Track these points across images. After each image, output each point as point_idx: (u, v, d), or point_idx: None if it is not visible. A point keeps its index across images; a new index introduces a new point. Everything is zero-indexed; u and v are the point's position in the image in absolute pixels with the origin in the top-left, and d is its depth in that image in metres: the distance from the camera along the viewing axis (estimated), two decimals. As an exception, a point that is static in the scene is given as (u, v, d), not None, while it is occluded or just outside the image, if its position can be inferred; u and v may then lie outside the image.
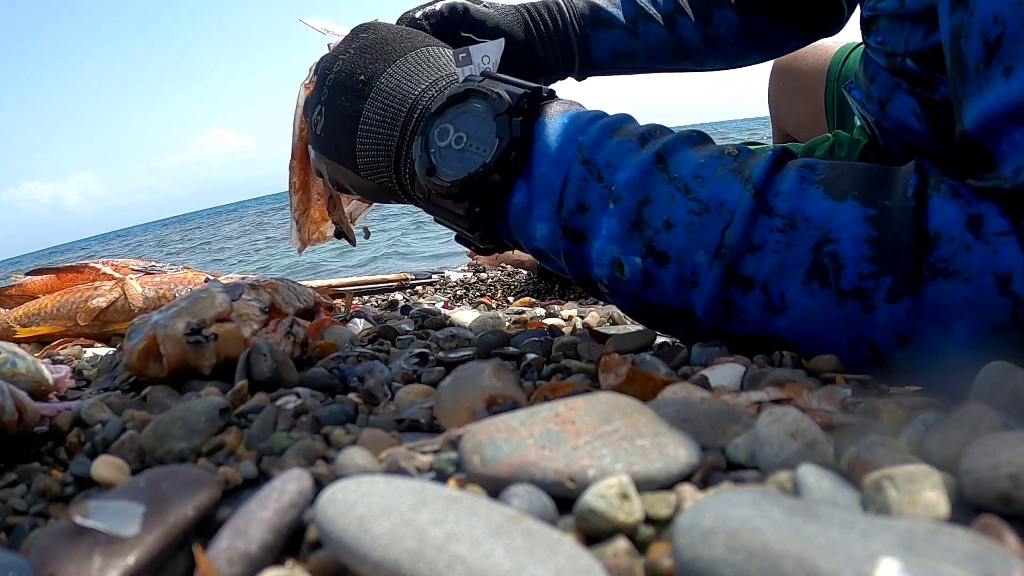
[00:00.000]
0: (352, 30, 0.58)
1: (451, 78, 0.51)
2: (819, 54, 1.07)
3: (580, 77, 0.76)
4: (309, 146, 0.60)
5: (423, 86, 0.51)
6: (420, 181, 0.48)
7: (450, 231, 0.53)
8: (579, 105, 0.48)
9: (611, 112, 0.47)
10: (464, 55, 0.49)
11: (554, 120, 0.46)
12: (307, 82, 0.65)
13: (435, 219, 0.52)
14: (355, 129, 0.53)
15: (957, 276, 0.33)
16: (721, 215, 0.38)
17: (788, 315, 0.37)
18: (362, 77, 0.53)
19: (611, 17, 0.73)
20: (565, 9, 0.72)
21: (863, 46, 0.60)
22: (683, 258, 0.39)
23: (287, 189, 0.72)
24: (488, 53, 0.49)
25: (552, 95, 0.48)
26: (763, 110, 1.27)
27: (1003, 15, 0.32)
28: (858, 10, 0.58)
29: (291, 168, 0.70)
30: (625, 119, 0.45)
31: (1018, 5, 0.32)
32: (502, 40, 0.50)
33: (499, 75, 0.48)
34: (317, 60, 0.60)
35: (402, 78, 0.52)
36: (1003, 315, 0.32)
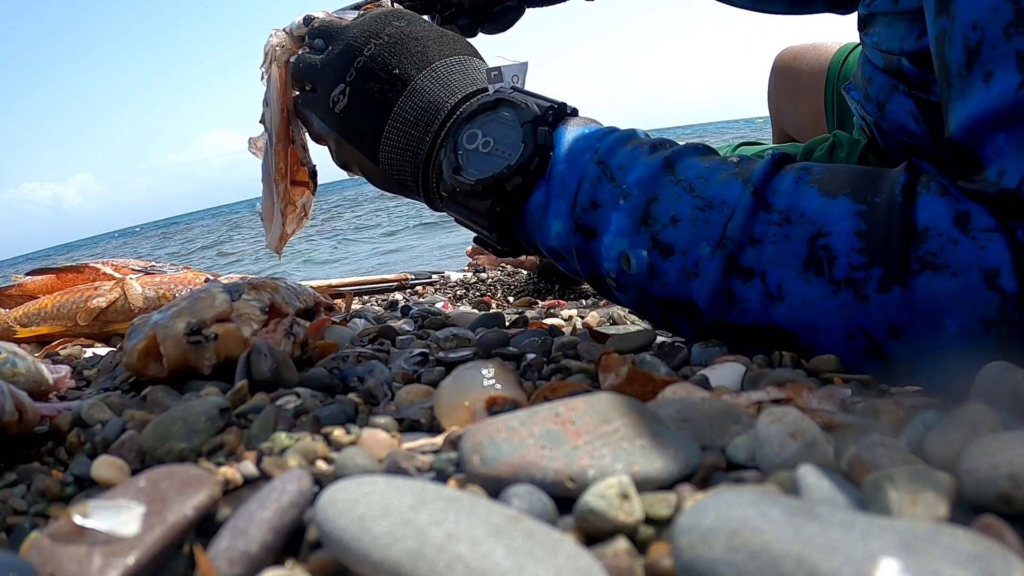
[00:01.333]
0: (382, 12, 0.58)
1: (484, 91, 0.54)
2: (819, 54, 1.07)
3: None
4: (313, 119, 0.59)
5: (458, 96, 0.53)
6: (447, 179, 0.50)
7: (450, 235, 0.54)
8: (598, 123, 0.51)
9: (622, 128, 0.50)
10: (496, 72, 0.52)
11: (575, 130, 0.49)
12: (277, 44, 0.61)
13: (456, 219, 0.55)
14: (383, 123, 0.54)
15: (945, 269, 0.33)
16: (723, 211, 0.40)
17: (786, 303, 0.38)
18: (396, 71, 0.54)
19: None
20: None
21: (862, 46, 0.60)
22: (687, 250, 0.41)
23: (262, 179, 0.65)
24: (517, 73, 0.53)
25: (575, 112, 0.51)
26: (763, 110, 1.26)
27: (982, 21, 0.33)
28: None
29: (276, 152, 0.63)
30: (637, 133, 0.49)
31: (995, 11, 0.32)
32: (527, 62, 0.53)
33: (528, 91, 0.51)
34: (300, 20, 0.60)
35: (439, 83, 0.54)
36: (991, 310, 0.33)
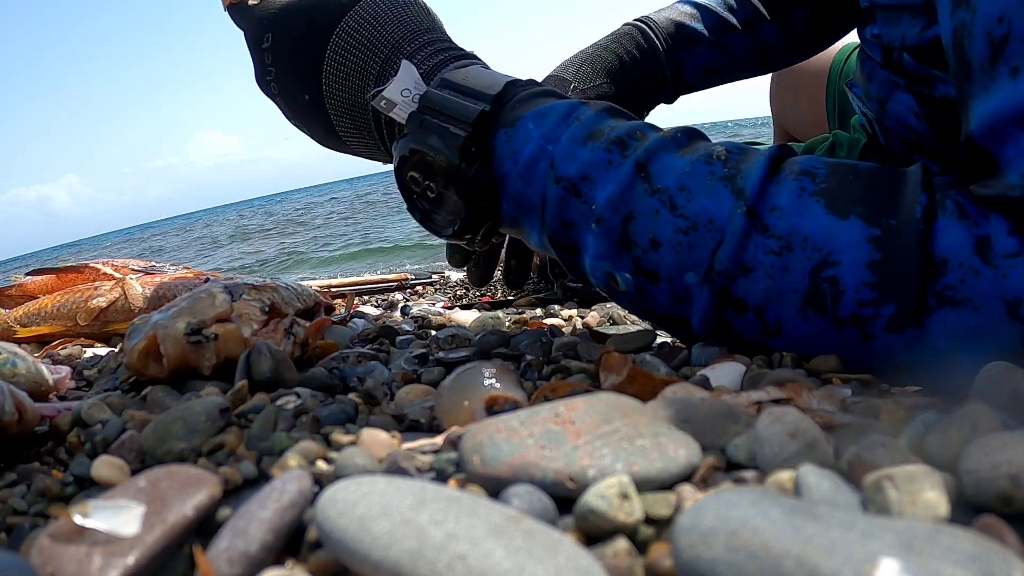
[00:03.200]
0: (254, 22, 0.53)
1: (390, 57, 0.49)
2: (820, 54, 1.07)
3: (671, 100, 0.73)
4: None
5: (372, 87, 0.50)
6: (423, 225, 0.49)
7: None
8: (548, 97, 0.44)
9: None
10: (385, 103, 0.47)
11: (518, 129, 0.43)
12: None
13: None
14: (340, 141, 0.54)
15: (966, 304, 0.31)
16: (711, 233, 0.36)
17: (784, 339, 0.36)
18: (306, 97, 0.51)
19: (697, 34, 0.69)
20: (652, 34, 0.68)
21: (861, 42, 0.60)
22: (673, 278, 0.38)
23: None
24: (406, 85, 0.47)
25: (510, 90, 0.45)
26: (766, 109, 1.27)
27: (1009, 14, 0.31)
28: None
29: None
30: (600, 117, 0.42)
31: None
32: (411, 66, 0.47)
33: (435, 105, 0.44)
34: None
35: (337, 101, 0.51)
36: (1012, 342, 0.31)
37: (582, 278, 0.45)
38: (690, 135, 0.41)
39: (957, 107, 0.35)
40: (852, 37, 1.02)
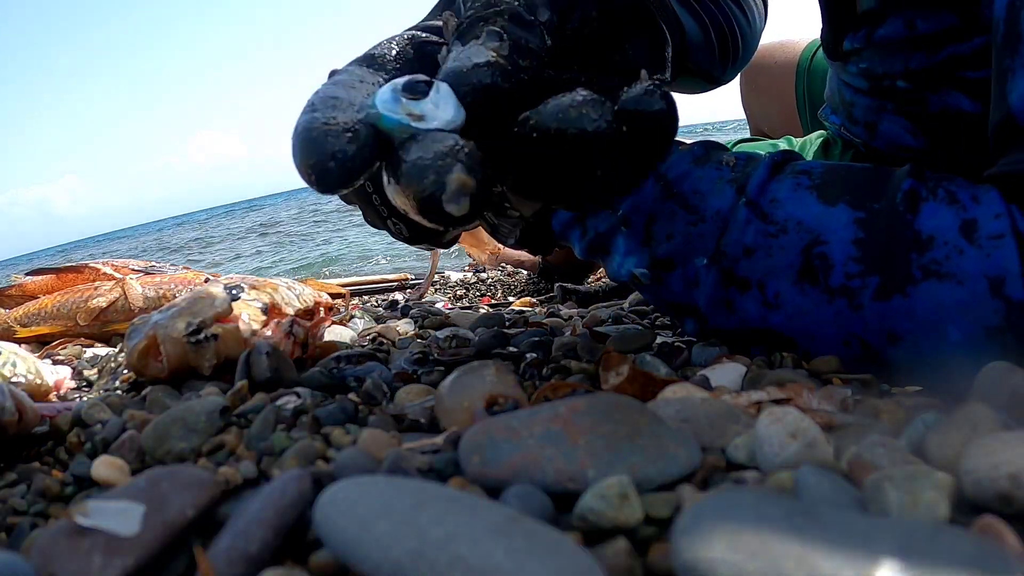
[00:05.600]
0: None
1: None
2: (787, 51, 1.07)
3: None
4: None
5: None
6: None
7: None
8: None
9: None
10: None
11: None
12: None
13: None
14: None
15: (950, 278, 0.33)
16: (716, 223, 0.40)
17: (782, 312, 0.38)
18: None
19: None
20: None
21: (838, 73, 0.60)
22: (686, 264, 0.41)
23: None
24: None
25: None
26: (736, 112, 1.27)
27: None
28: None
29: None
30: None
31: None
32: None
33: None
34: None
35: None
36: (996, 318, 0.32)
37: (613, 277, 0.47)
38: (707, 148, 0.45)
39: (959, 111, 0.36)
40: (816, 32, 1.01)
